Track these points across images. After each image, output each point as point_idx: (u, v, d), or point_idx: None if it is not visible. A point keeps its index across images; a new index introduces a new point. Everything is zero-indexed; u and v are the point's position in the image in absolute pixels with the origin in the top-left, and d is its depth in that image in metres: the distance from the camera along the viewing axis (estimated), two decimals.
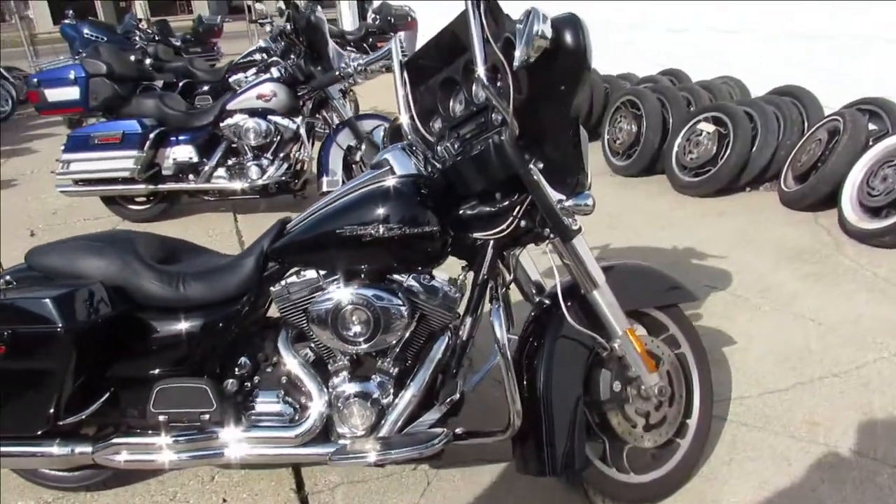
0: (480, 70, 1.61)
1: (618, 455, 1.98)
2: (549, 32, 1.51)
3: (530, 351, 1.89)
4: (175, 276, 1.92)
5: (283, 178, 4.60)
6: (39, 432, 1.89)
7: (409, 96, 1.99)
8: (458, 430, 1.92)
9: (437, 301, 1.87)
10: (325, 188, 4.30)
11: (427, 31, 10.93)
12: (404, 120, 1.97)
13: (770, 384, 2.58)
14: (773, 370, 2.66)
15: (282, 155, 4.63)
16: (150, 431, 1.96)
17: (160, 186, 4.72)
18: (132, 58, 6.95)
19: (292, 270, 1.94)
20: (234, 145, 4.67)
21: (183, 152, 4.64)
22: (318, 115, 4.93)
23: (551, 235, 1.80)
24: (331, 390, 1.92)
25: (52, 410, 1.86)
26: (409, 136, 1.96)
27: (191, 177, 4.73)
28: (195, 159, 4.65)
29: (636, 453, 2.03)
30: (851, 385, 2.54)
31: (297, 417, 1.96)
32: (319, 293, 1.86)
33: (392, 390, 1.91)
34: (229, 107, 4.61)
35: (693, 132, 4.79)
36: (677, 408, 2.05)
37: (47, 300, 1.74)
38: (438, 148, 1.90)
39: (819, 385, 2.55)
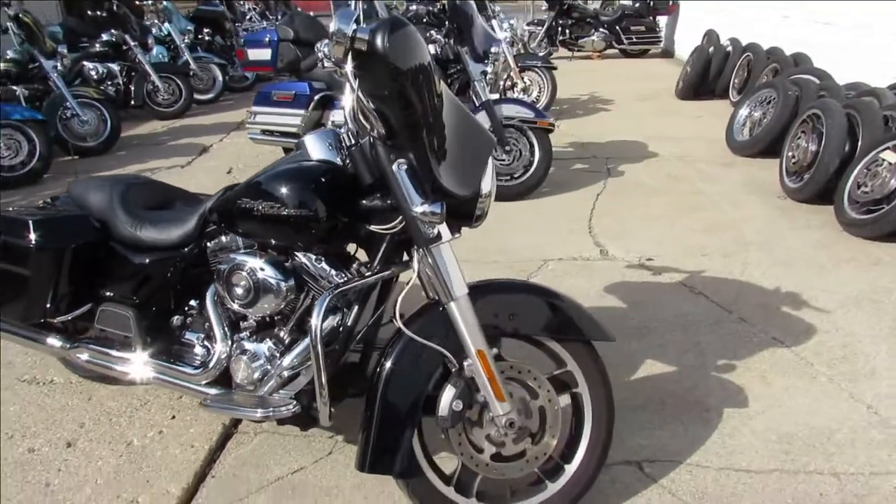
0: (348, 67, 1.68)
1: (470, 478, 1.91)
2: (361, 35, 1.55)
3: (389, 347, 1.90)
4: (138, 220, 2.26)
5: None
6: (37, 322, 2.38)
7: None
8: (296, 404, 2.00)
9: (322, 282, 1.97)
10: None
11: (689, 15, 10.26)
12: (347, 106, 2.07)
13: (743, 462, 2.20)
14: (763, 448, 2.26)
15: None
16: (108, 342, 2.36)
17: None
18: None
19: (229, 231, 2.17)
20: None
21: (341, 115, 5.09)
22: (464, 96, 5.05)
23: None
24: (233, 344, 2.14)
25: (48, 306, 2.32)
26: (350, 124, 2.05)
27: None
28: None
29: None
30: (845, 491, 2.06)
31: (206, 361, 2.21)
32: (229, 255, 2.08)
33: (278, 356, 2.07)
34: None
35: (875, 161, 4.00)
36: (545, 447, 1.90)
37: (29, 221, 2.20)
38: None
39: (804, 480, 2.12)
